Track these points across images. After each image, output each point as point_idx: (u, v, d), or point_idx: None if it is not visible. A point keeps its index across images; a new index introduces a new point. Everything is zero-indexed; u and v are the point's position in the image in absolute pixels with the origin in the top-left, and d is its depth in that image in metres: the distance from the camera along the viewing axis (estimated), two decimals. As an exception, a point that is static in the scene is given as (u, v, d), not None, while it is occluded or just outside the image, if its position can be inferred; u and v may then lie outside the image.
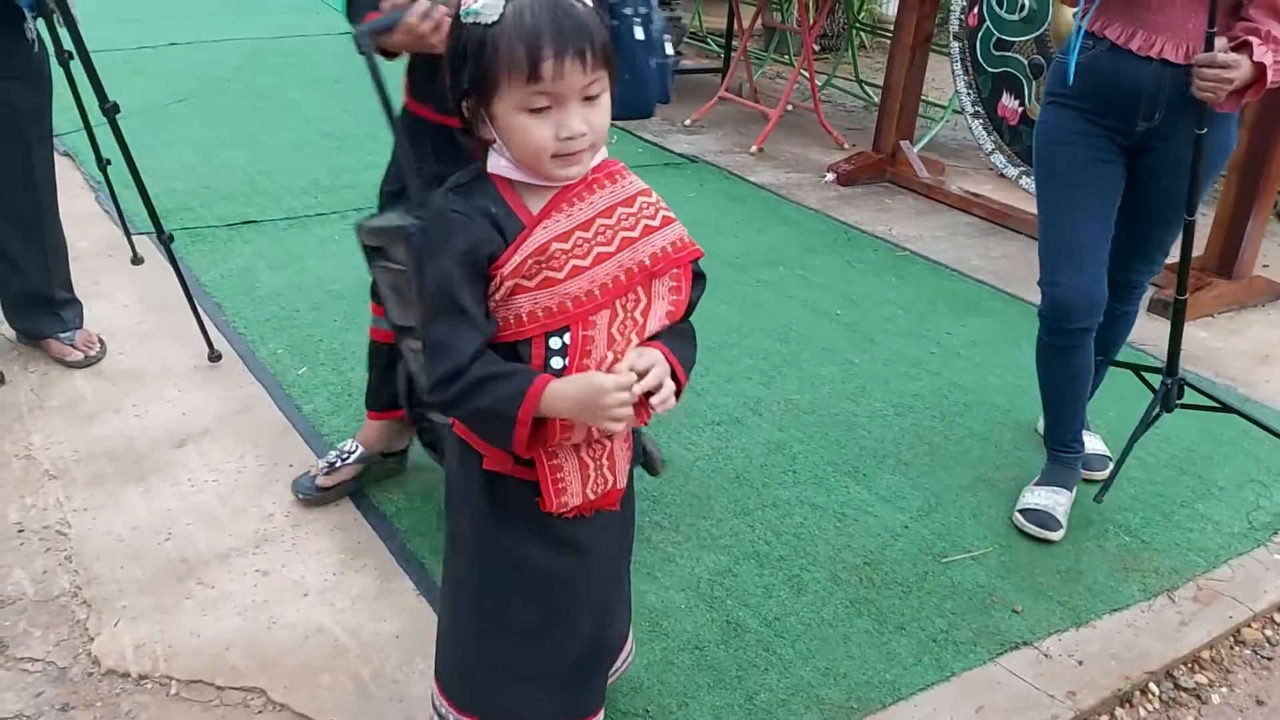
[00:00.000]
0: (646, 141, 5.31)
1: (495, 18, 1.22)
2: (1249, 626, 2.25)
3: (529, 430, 1.31)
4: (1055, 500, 2.46)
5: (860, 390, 3.05)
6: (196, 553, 2.22)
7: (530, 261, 1.31)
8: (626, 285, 1.36)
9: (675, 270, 1.41)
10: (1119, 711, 2.01)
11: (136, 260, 3.37)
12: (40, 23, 2.56)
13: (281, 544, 2.26)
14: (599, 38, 1.25)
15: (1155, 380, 2.60)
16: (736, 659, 2.03)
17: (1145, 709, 2.03)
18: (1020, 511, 2.46)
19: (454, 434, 1.48)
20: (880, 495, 2.56)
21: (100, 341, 2.93)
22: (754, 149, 5.25)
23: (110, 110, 2.68)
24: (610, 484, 1.46)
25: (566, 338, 1.34)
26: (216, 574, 2.16)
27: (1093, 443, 2.71)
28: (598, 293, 1.34)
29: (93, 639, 1.97)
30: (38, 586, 2.10)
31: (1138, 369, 2.72)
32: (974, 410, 2.97)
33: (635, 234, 1.37)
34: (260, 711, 1.85)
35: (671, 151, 5.19)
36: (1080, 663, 2.07)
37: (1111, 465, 2.60)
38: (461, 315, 1.30)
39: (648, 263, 1.38)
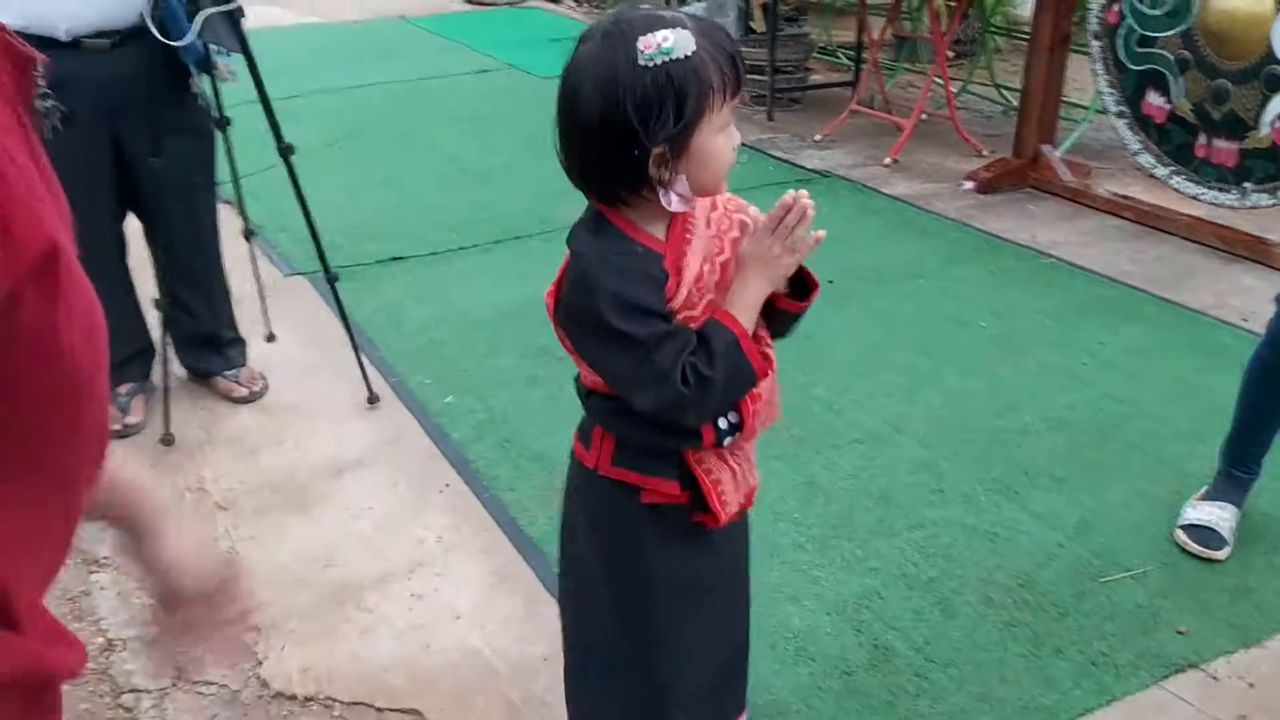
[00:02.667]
0: (777, 159, 5.29)
1: (693, 48, 1.20)
2: None
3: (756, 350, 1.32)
4: (1221, 516, 2.33)
5: (1009, 404, 2.96)
6: (355, 578, 2.32)
7: (693, 291, 1.30)
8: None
9: None
10: (1300, 739, 1.90)
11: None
12: (205, 80, 2.74)
13: (434, 568, 2.34)
14: (741, 66, 1.27)
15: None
16: (886, 684, 2.00)
17: (1330, 737, 1.91)
18: (1182, 528, 2.35)
19: (600, 478, 1.43)
20: (1033, 513, 2.48)
21: (263, 378, 3.09)
22: (888, 160, 5.17)
23: (285, 150, 2.83)
24: (752, 483, 1.47)
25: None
26: (374, 599, 2.25)
27: None
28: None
29: (261, 663, 2.07)
30: (212, 612, 2.23)
31: None
32: (1130, 423, 2.85)
33: (735, 232, 1.36)
34: (418, 733, 1.92)
35: (803, 168, 5.16)
36: (1251, 685, 1.97)
37: None
38: (656, 320, 1.27)
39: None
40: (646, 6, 1.28)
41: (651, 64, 1.19)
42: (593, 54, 1.22)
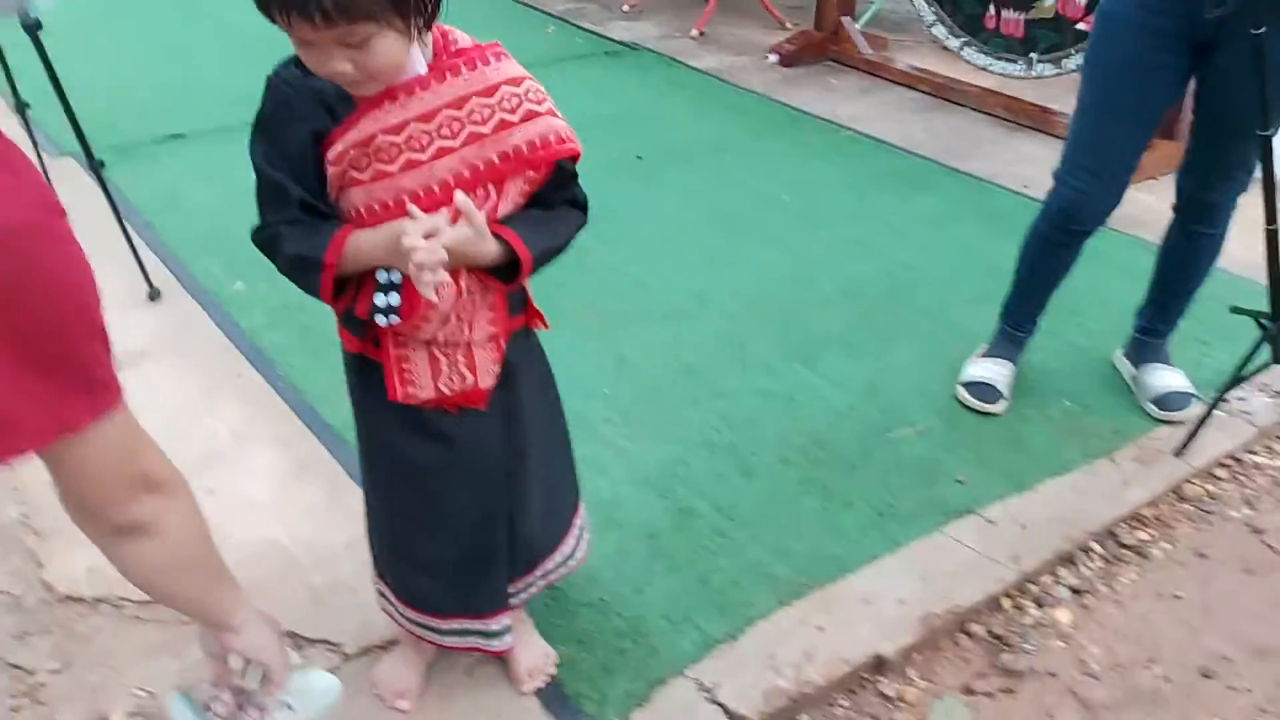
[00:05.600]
0: (585, 30, 5.18)
1: None
2: (1190, 483, 2.30)
3: (334, 276, 1.30)
4: (998, 372, 2.48)
5: (807, 275, 3.04)
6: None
7: (353, 152, 1.27)
8: (470, 182, 1.30)
9: (530, 172, 1.34)
10: (1062, 571, 2.07)
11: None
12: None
13: (227, 461, 2.25)
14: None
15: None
16: (689, 544, 2.06)
17: (1088, 568, 2.09)
18: (962, 384, 2.49)
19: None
20: (827, 378, 2.58)
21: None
22: (695, 33, 5.14)
23: (31, 26, 2.54)
24: (468, 382, 1.43)
25: None
26: (165, 495, 2.15)
27: (1171, 378, 2.47)
28: (436, 188, 1.29)
29: (44, 566, 1.97)
30: (-16, 519, 2.09)
31: (1242, 311, 2.29)
32: (920, 288, 2.98)
33: (486, 129, 1.29)
34: (217, 626, 1.86)
35: (611, 39, 5.07)
36: (1024, 526, 2.13)
37: (1195, 405, 2.41)
38: (280, 188, 1.30)
39: (496, 161, 1.30)
40: None
41: None
42: None
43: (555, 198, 1.40)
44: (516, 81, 1.32)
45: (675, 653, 1.83)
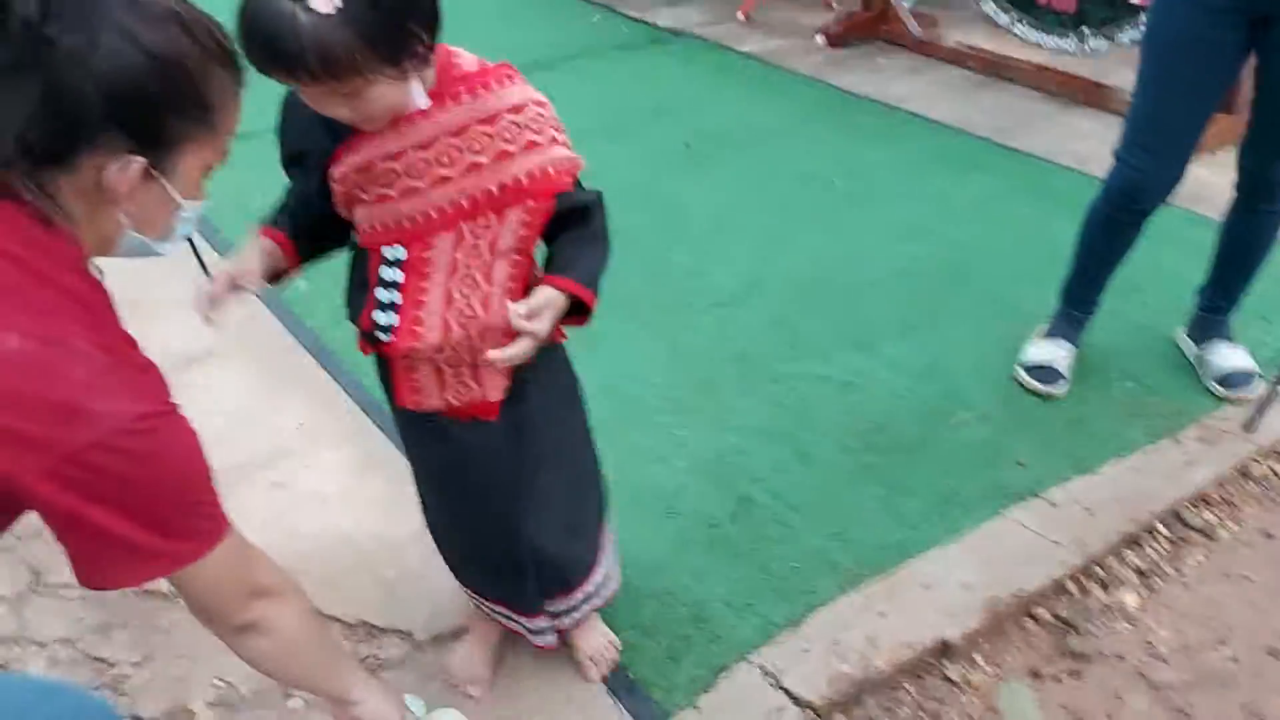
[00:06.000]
0: (630, 18, 5.18)
1: None
2: (1256, 462, 2.27)
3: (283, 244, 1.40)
4: (1058, 354, 2.46)
5: (861, 259, 3.03)
6: (216, 469, 2.26)
7: (354, 175, 1.29)
8: (469, 211, 1.30)
9: (530, 202, 1.32)
10: (1127, 554, 2.06)
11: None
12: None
13: (295, 457, 2.30)
14: (311, 56, 1.11)
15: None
16: (749, 533, 2.08)
17: (1153, 550, 2.07)
18: (1022, 367, 2.47)
19: None
20: (883, 361, 2.57)
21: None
22: (740, 17, 5.11)
23: None
24: (476, 395, 1.43)
25: (402, 254, 1.32)
26: (236, 489, 2.21)
27: (1235, 356, 2.44)
28: (435, 215, 1.30)
29: (123, 562, 2.03)
30: (65, 516, 2.16)
31: None
32: (976, 269, 2.96)
33: (485, 158, 1.28)
34: (291, 618, 1.91)
35: (656, 26, 5.06)
36: (1087, 509, 2.11)
37: (1259, 383, 2.38)
38: (290, 191, 1.42)
39: (495, 191, 1.30)
40: None
41: None
42: None
43: (573, 219, 1.38)
44: (519, 109, 1.30)
45: (738, 639, 1.85)
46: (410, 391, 1.43)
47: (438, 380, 1.41)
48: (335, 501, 2.18)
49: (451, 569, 1.72)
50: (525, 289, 1.36)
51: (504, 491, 1.56)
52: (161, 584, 1.98)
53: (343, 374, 2.54)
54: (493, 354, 1.31)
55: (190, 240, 2.88)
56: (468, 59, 1.32)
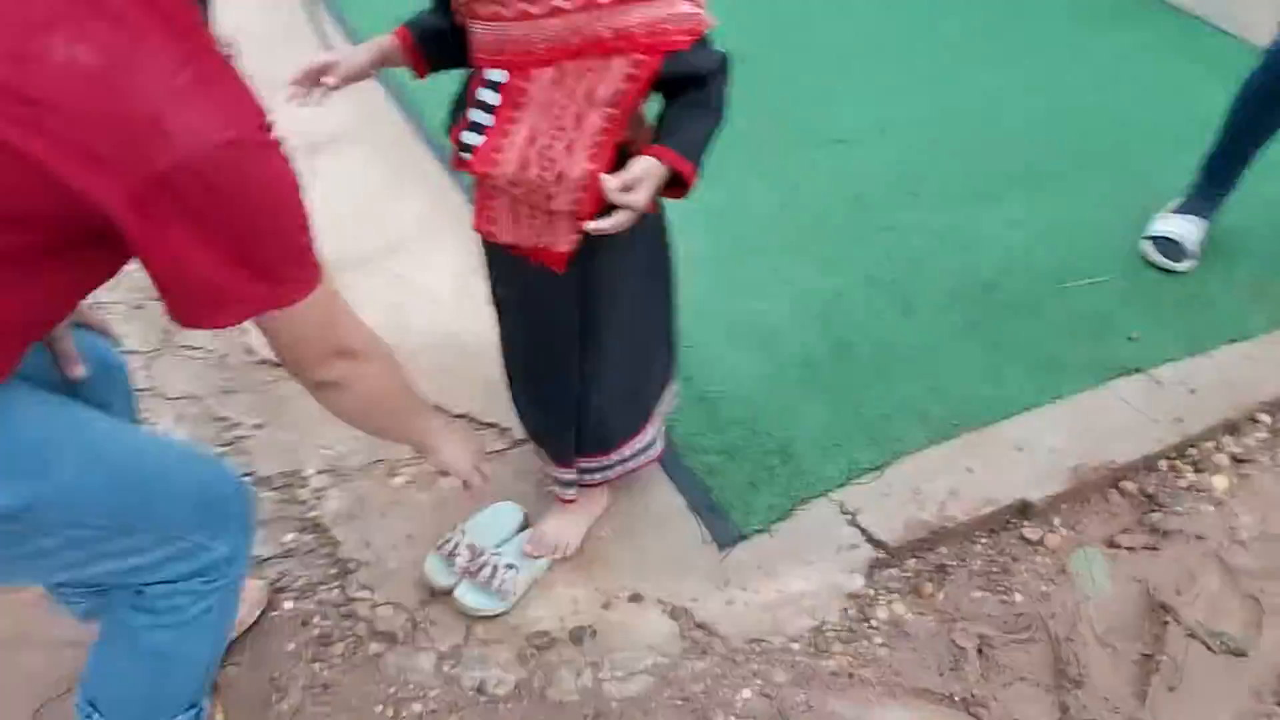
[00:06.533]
0: None
1: None
2: (1376, 362, 2.20)
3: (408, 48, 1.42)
4: (1189, 229, 2.37)
5: (993, 110, 2.92)
6: (335, 256, 2.33)
7: None
8: (576, 51, 1.23)
9: (638, 56, 1.23)
10: (1225, 439, 2.03)
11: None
12: None
13: (412, 251, 2.37)
14: None
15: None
16: (844, 375, 2.10)
17: (1253, 438, 2.04)
18: (1148, 239, 2.39)
19: None
20: (1004, 218, 2.51)
21: (231, 43, 2.97)
22: None
23: None
24: (545, 241, 1.38)
25: (502, 77, 1.28)
26: (355, 277, 2.29)
27: None
28: (540, 46, 1.24)
29: (245, 332, 2.14)
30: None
31: None
32: (1113, 131, 2.83)
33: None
34: (399, 403, 2.02)
35: None
36: (1192, 390, 2.08)
37: None
38: None
39: (607, 35, 1.22)
40: None
41: None
42: None
43: (688, 84, 1.29)
44: None
45: (820, 476, 1.90)
46: (486, 219, 1.41)
47: (511, 215, 1.38)
48: (446, 301, 2.25)
49: (508, 387, 1.73)
50: (616, 150, 1.29)
51: (563, 343, 1.54)
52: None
53: (456, 174, 2.57)
54: (590, 224, 1.28)
55: (319, 16, 2.85)
56: None
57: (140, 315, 2.20)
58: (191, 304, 1.02)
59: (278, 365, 2.07)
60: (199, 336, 2.13)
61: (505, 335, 1.65)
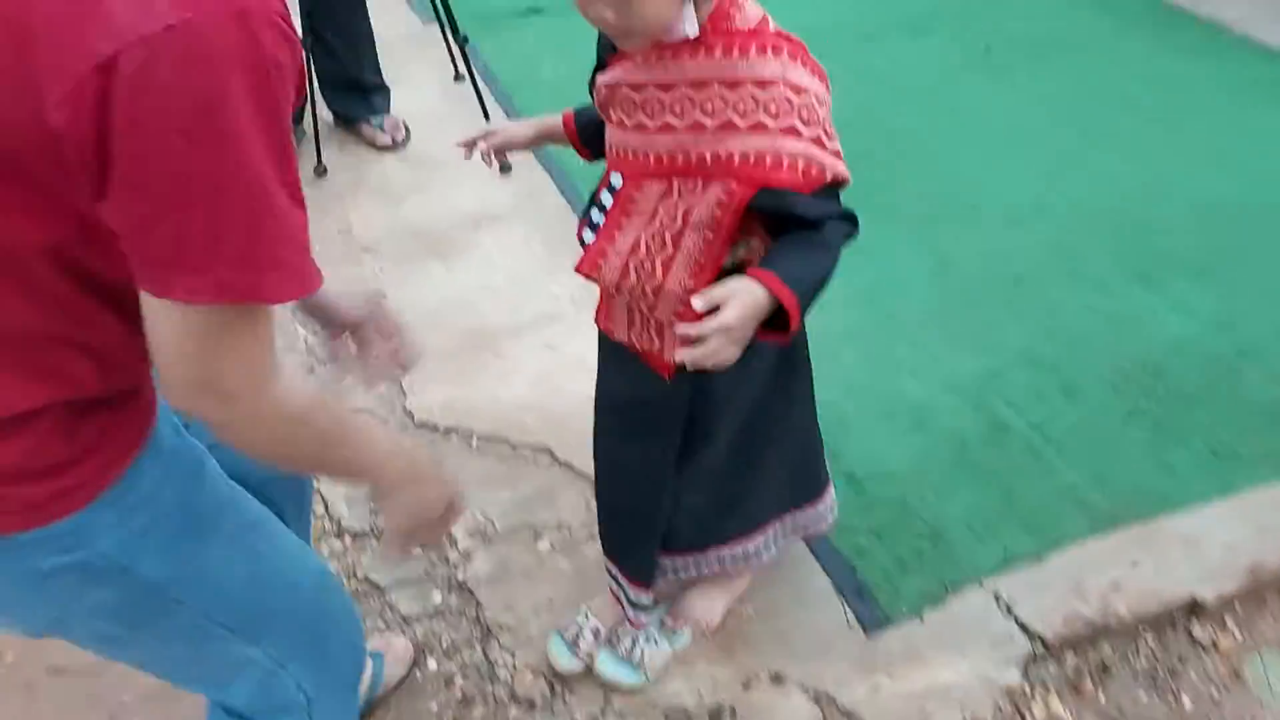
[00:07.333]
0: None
1: None
2: None
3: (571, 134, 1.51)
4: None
5: (1160, 189, 2.82)
6: (491, 327, 2.43)
7: (604, 90, 1.29)
8: (684, 169, 1.23)
9: (732, 184, 1.21)
10: None
11: (458, 78, 3.44)
12: None
13: (565, 323, 2.43)
14: None
15: None
16: (999, 459, 2.04)
17: None
18: (1334, 327, 2.26)
19: None
20: (1171, 302, 2.41)
21: (406, 127, 3.14)
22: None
23: None
24: (656, 348, 1.38)
25: (618, 183, 1.31)
26: (509, 346, 2.37)
27: None
28: (650, 160, 1.26)
29: (407, 396, 2.23)
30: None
31: None
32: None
33: (710, 122, 1.20)
34: (547, 467, 2.06)
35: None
36: (1384, 490, 1.94)
37: None
38: None
39: (706, 159, 1.21)
40: None
41: None
42: None
43: (800, 224, 1.24)
44: (766, 84, 1.18)
45: (974, 562, 1.84)
46: (605, 316, 1.45)
47: (626, 317, 1.41)
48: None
49: (596, 498, 1.68)
50: (717, 273, 1.26)
51: (662, 447, 1.51)
52: (436, 417, 2.18)
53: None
54: (676, 354, 1.18)
55: (479, 94, 2.97)
56: (752, 13, 1.22)
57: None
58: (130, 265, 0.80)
59: (434, 429, 2.17)
60: (361, 398, 2.22)
61: (598, 436, 1.60)
